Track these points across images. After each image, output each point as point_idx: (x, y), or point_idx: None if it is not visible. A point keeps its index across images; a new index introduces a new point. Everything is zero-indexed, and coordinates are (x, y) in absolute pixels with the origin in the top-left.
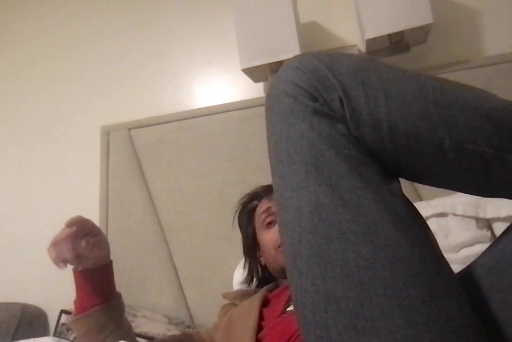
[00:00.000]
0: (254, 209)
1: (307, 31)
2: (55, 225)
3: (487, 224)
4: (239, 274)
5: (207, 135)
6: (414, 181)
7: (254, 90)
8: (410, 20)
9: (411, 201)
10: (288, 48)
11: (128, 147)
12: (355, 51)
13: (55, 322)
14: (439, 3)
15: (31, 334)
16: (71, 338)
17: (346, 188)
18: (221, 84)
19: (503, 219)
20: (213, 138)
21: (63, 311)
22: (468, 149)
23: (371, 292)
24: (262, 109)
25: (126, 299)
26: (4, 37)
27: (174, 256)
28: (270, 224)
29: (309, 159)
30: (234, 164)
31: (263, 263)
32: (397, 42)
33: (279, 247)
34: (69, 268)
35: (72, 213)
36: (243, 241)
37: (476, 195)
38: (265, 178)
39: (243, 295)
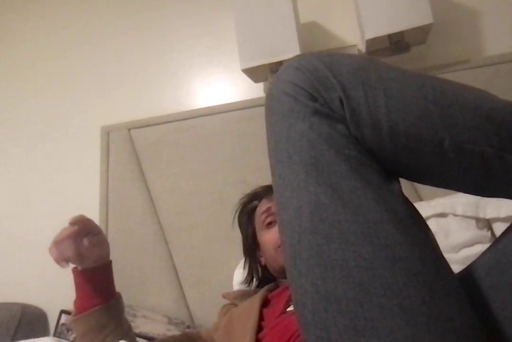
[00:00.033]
0: (254, 209)
1: (307, 31)
2: (55, 225)
3: (487, 224)
4: (239, 274)
5: (207, 135)
6: (414, 181)
7: (254, 90)
8: (410, 20)
9: (411, 201)
10: (288, 48)
11: (128, 147)
12: (355, 51)
13: (55, 322)
14: (439, 3)
15: (31, 334)
16: (71, 338)
17: (346, 188)
18: (221, 84)
19: (503, 219)
20: (213, 138)
21: (63, 311)
22: (468, 149)
23: (371, 292)
24: (262, 110)
25: (126, 299)
26: (4, 37)
27: (174, 256)
28: (270, 224)
29: (309, 159)
30: (234, 164)
31: (263, 263)
32: (397, 42)
33: (279, 247)
34: (69, 268)
35: (72, 213)
36: (243, 241)
37: (476, 195)
38: (265, 178)
39: (243, 295)
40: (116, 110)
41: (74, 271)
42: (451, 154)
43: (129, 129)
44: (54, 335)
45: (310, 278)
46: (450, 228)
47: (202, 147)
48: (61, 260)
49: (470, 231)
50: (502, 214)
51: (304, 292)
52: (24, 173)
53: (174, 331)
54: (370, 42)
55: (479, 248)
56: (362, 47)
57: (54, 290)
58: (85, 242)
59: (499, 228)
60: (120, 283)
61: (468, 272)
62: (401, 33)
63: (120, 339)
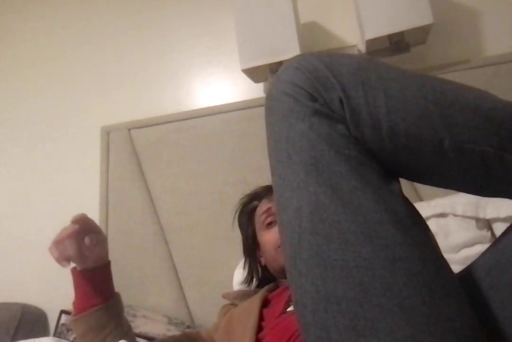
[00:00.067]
0: (254, 209)
1: (307, 31)
2: (55, 225)
3: (487, 224)
4: (239, 274)
5: (207, 135)
6: (414, 181)
7: (254, 90)
8: (410, 20)
9: (411, 201)
10: (288, 48)
11: (128, 147)
12: (355, 52)
13: (55, 322)
14: (439, 3)
15: (31, 334)
16: (71, 338)
17: (346, 188)
18: (221, 84)
19: (503, 219)
20: (213, 138)
21: (63, 311)
22: (468, 149)
23: (371, 292)
24: (262, 110)
25: (126, 299)
26: (4, 37)
27: (174, 256)
28: (270, 224)
29: (309, 159)
30: (234, 164)
31: (263, 263)
32: (397, 43)
33: (279, 247)
34: (70, 267)
35: (72, 213)
36: (243, 241)
37: (476, 195)
38: (265, 178)
39: (243, 295)
40: (116, 110)
41: (73, 271)
42: (451, 154)
43: (129, 130)
44: (54, 335)
45: (310, 278)
46: (450, 228)
47: (202, 147)
48: (62, 259)
49: (470, 231)
50: (502, 214)
51: (304, 292)
52: (24, 173)
53: (174, 331)
54: (370, 43)
55: (479, 248)
56: (362, 48)
57: (54, 290)
58: (86, 241)
59: (499, 228)
60: (120, 283)
61: (468, 272)
62: (401, 33)
63: (120, 339)
